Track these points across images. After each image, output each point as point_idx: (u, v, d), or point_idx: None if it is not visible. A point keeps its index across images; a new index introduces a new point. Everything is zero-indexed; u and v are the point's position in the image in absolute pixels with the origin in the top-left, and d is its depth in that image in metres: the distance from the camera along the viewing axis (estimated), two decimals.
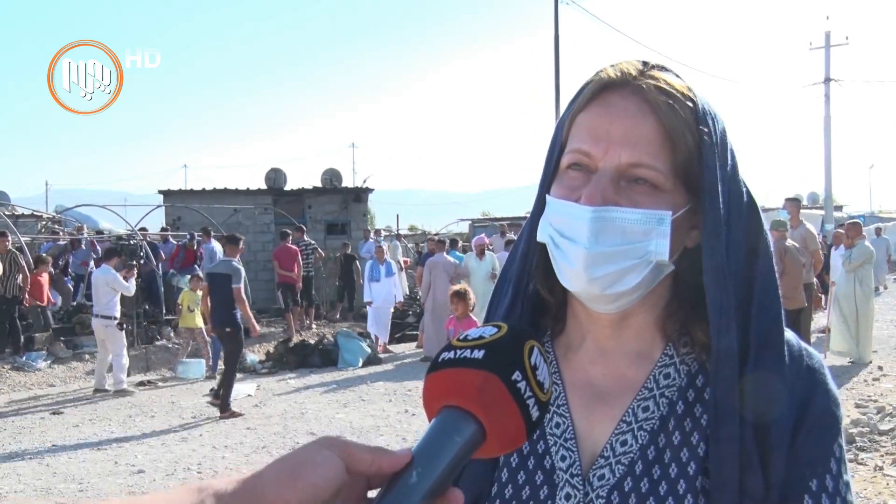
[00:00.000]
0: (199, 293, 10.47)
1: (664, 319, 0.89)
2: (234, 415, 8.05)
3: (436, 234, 22.01)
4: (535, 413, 0.66)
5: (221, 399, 8.11)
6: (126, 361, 9.77)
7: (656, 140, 0.82)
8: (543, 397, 0.67)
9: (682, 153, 0.82)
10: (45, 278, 11.79)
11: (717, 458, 0.80)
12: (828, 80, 29.60)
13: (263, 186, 18.56)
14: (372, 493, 0.62)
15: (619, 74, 0.84)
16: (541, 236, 0.88)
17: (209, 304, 8.78)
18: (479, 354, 0.66)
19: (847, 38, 30.48)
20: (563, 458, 0.87)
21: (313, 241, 15.87)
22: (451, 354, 0.67)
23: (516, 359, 0.66)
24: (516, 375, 0.65)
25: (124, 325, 9.64)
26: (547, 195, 0.87)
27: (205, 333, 10.74)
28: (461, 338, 0.69)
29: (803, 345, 0.87)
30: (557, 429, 0.89)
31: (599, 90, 0.85)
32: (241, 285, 8.31)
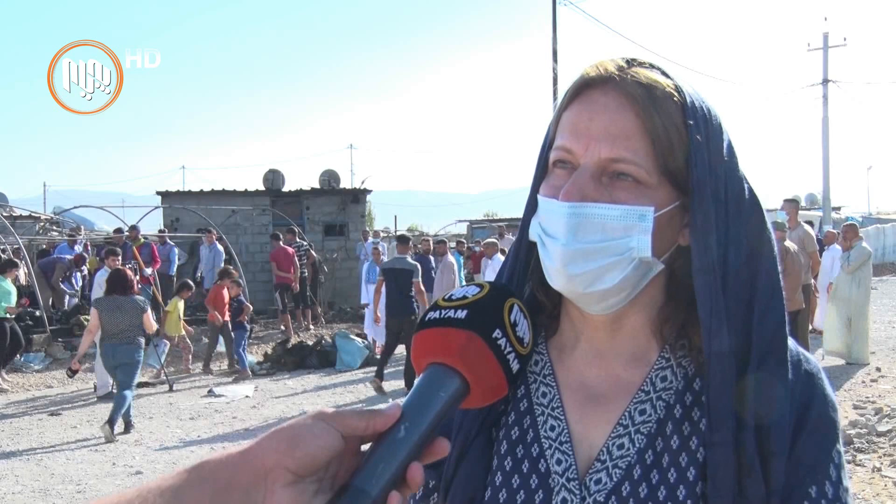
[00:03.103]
0: (181, 304, 10.69)
1: (660, 322, 0.87)
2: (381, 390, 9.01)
3: (435, 235, 21.99)
4: (515, 366, 0.72)
5: (377, 371, 9.09)
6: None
7: (636, 134, 0.80)
8: (523, 351, 0.73)
9: (665, 148, 0.81)
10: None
11: (713, 463, 0.79)
12: (826, 81, 29.60)
13: (261, 187, 18.54)
14: (365, 447, 0.65)
15: (599, 71, 0.84)
16: (531, 235, 0.87)
17: (384, 296, 9.23)
18: (462, 314, 0.71)
19: (845, 39, 30.48)
20: (558, 462, 0.85)
21: (306, 243, 15.84)
22: (437, 314, 0.73)
23: (497, 317, 0.72)
24: (496, 333, 0.71)
25: None
26: (538, 194, 0.87)
27: (187, 339, 10.82)
28: (446, 298, 0.74)
29: (800, 349, 0.86)
30: (552, 431, 0.87)
31: (581, 88, 0.84)
32: (420, 279, 9.08)
